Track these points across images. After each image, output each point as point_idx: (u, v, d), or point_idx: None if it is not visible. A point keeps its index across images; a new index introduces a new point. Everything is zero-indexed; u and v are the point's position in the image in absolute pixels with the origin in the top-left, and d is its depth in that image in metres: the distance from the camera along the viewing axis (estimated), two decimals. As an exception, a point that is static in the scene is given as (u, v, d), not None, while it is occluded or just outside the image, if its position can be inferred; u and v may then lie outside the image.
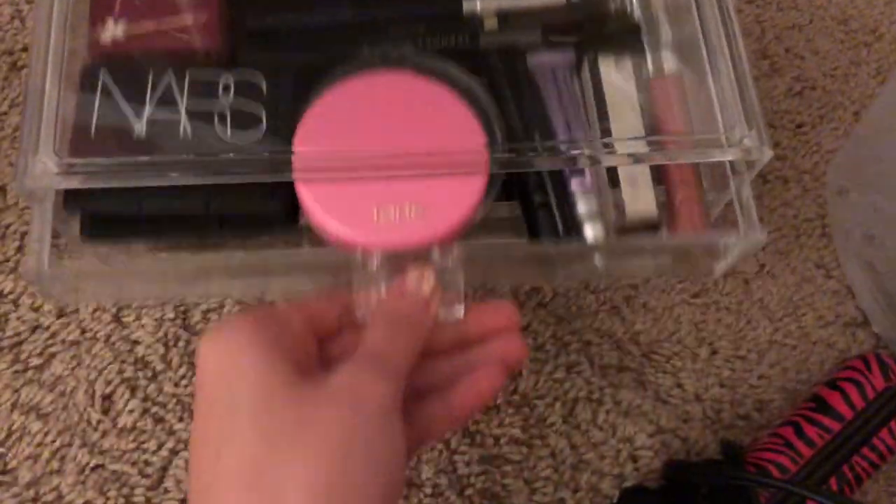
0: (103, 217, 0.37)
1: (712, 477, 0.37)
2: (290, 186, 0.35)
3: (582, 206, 0.37)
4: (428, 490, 0.43)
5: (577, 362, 0.46)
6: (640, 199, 0.38)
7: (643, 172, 0.38)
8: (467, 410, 0.33)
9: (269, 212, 0.36)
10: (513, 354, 0.34)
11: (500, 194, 0.36)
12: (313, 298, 0.34)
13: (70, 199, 0.35)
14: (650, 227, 0.38)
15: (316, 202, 0.34)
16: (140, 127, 0.35)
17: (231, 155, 0.34)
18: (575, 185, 0.37)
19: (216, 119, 0.35)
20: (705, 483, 0.38)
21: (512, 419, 0.44)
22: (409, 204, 0.34)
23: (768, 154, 0.36)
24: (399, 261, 0.34)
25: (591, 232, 0.37)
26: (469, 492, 0.43)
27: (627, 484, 0.44)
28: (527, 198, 0.38)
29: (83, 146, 0.35)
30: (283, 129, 0.35)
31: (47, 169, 0.33)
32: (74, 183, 0.34)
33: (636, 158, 0.37)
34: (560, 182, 0.37)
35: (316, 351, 0.32)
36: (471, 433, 0.44)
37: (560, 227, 0.37)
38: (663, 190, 0.39)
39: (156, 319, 0.45)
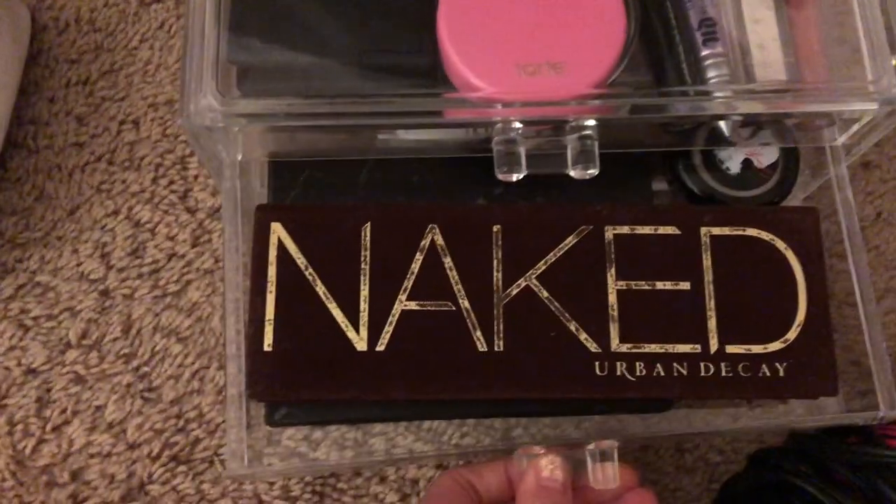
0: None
1: (845, 455, 0.38)
2: (435, 43, 0.37)
3: (712, 72, 0.38)
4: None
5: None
6: (769, 63, 0.38)
7: (773, 37, 0.39)
8: None
9: (417, 65, 0.38)
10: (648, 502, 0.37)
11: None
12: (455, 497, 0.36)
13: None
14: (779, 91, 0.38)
15: (459, 57, 0.36)
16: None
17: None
18: (707, 51, 0.38)
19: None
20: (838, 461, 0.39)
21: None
22: (548, 62, 0.36)
23: (916, 104, 0.36)
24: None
25: (720, 96, 0.37)
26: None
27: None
28: (659, 63, 0.39)
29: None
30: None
31: (212, 106, 0.35)
32: (236, 121, 0.35)
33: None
34: (693, 49, 0.38)
35: None
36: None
37: (691, 93, 0.37)
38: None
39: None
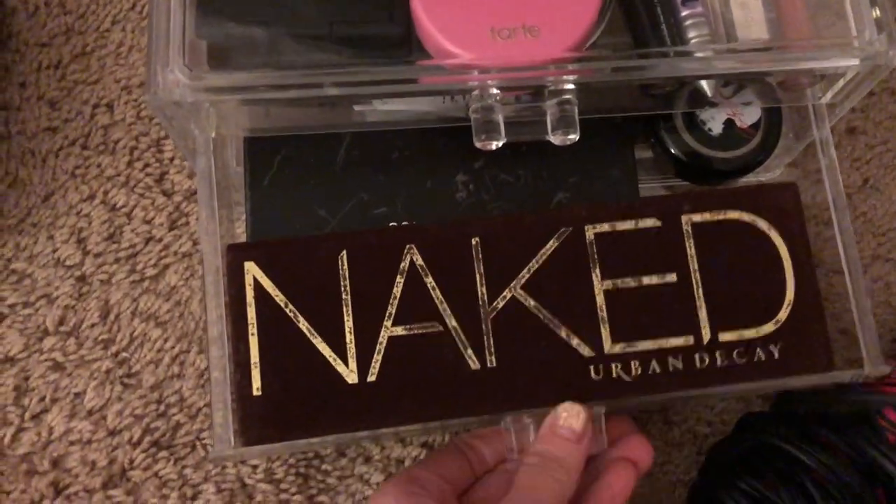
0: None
1: (832, 404, 0.38)
2: (406, 11, 0.36)
3: (692, 33, 0.37)
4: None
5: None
6: (751, 22, 0.37)
7: None
8: None
9: (388, 34, 0.37)
10: (640, 455, 0.36)
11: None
12: (449, 456, 0.37)
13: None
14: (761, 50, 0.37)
15: (432, 22, 0.35)
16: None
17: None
18: (686, 11, 0.37)
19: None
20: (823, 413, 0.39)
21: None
22: (523, 25, 0.35)
23: (896, 59, 0.35)
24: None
25: (701, 56, 0.36)
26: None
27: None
28: (637, 24, 0.38)
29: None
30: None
31: (179, 80, 0.34)
32: (205, 95, 0.34)
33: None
34: (672, 9, 0.37)
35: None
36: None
37: (671, 53, 0.37)
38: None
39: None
